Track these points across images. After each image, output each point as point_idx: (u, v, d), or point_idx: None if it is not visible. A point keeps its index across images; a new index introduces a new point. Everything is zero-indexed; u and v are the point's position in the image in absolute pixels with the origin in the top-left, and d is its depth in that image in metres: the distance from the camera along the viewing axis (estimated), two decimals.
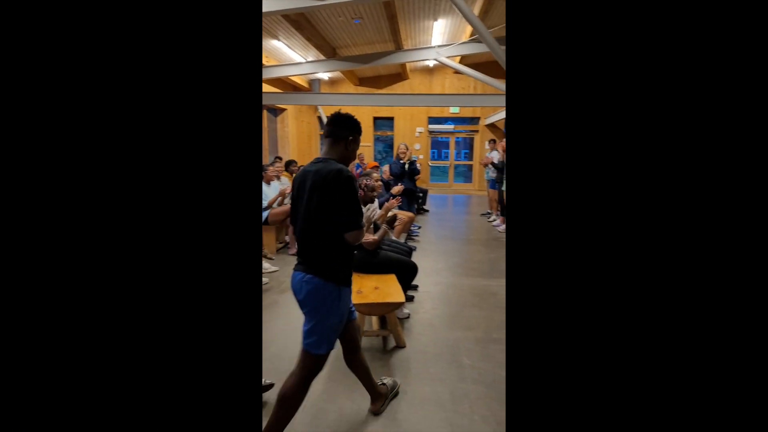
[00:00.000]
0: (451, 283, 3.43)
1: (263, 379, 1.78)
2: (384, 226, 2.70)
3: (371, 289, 2.31)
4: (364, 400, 1.80)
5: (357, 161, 7.47)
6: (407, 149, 5.85)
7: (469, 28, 6.66)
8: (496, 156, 5.80)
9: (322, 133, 9.87)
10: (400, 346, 2.28)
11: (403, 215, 4.25)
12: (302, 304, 1.46)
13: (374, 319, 2.52)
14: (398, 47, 6.92)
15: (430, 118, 10.20)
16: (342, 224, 1.38)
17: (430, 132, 10.35)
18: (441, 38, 7.04)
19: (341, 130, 1.46)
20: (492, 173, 6.01)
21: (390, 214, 2.96)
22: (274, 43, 6.28)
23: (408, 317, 2.67)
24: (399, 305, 2.19)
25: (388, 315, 2.23)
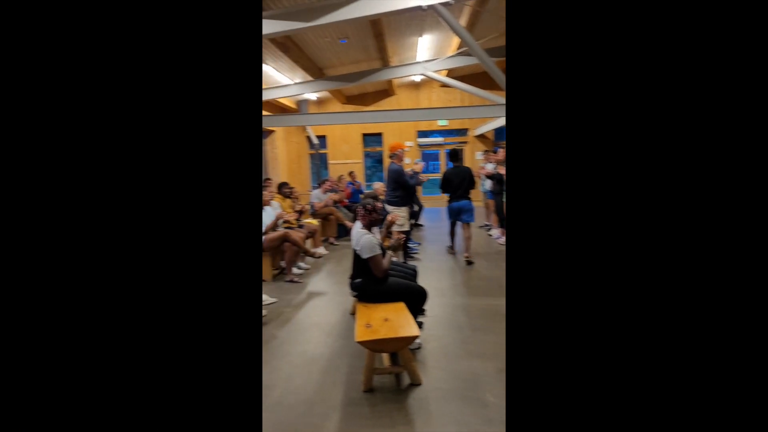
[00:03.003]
0: (458, 305, 3.27)
1: None
2: (389, 253, 2.54)
3: (380, 321, 2.14)
4: None
5: (349, 179, 7.33)
6: (419, 162, 5.59)
7: (455, 42, 6.67)
8: (491, 167, 5.72)
9: (312, 152, 9.84)
10: (415, 383, 2.10)
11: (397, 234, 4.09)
12: None
13: (385, 355, 2.33)
14: (385, 64, 6.90)
15: (418, 131, 10.18)
16: None
17: (420, 146, 10.32)
18: (427, 53, 7.05)
19: None
20: (488, 186, 5.92)
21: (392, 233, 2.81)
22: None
23: (419, 348, 2.50)
24: (414, 339, 2.02)
25: (401, 350, 2.05)
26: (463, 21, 5.74)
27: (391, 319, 2.15)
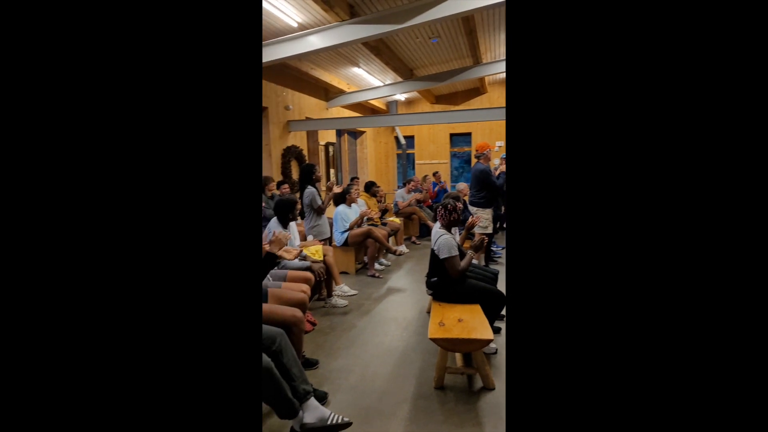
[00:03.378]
0: None
1: (341, 416, 1.70)
2: (470, 252, 2.51)
3: (454, 321, 2.13)
4: None
5: (433, 179, 7.34)
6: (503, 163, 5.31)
7: None
8: None
9: (399, 152, 10.06)
10: (488, 387, 2.05)
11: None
12: None
13: (458, 355, 2.32)
14: (477, 61, 6.74)
15: None
16: None
17: None
18: None
19: None
20: None
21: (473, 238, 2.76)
22: (355, 70, 6.54)
23: (495, 353, 2.42)
24: (487, 342, 1.97)
25: (475, 352, 2.02)
26: None
27: (465, 320, 2.13)
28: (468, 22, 4.98)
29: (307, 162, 5.75)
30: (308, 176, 3.80)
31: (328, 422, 1.66)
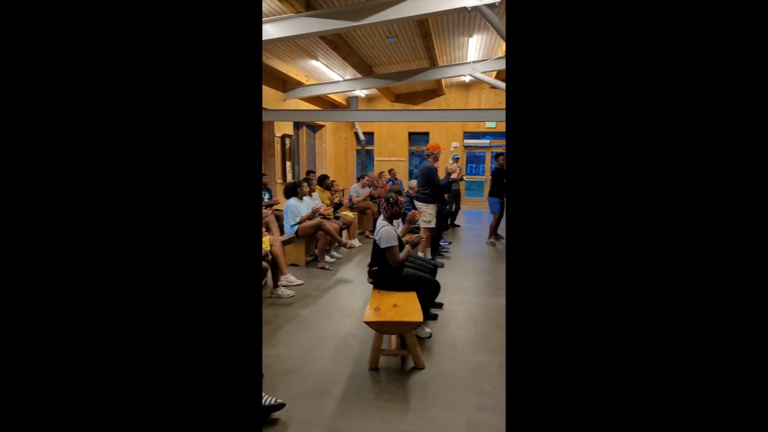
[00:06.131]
0: (478, 303, 3.30)
1: (274, 398, 1.78)
2: (408, 246, 2.67)
3: (389, 306, 2.27)
4: (379, 423, 1.75)
5: (389, 176, 7.50)
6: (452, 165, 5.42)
7: (504, 44, 6.56)
8: None
9: (358, 148, 10.14)
10: (418, 367, 2.21)
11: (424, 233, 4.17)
12: None
13: (393, 338, 2.47)
14: (433, 64, 6.96)
15: (465, 132, 10.10)
16: None
17: (466, 147, 10.23)
18: (476, 54, 7.00)
19: None
20: None
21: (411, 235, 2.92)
22: (313, 63, 6.53)
23: (430, 337, 2.60)
24: (416, 325, 2.13)
25: (407, 334, 2.17)
26: None
27: (400, 305, 2.28)
28: (423, 25, 5.16)
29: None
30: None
31: (262, 404, 1.73)
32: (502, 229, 5.73)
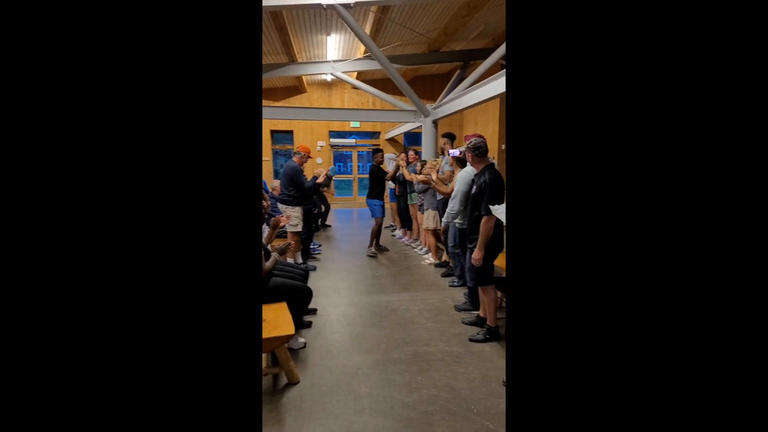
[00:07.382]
0: (352, 303, 3.32)
1: None
2: (274, 254, 2.48)
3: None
4: None
5: None
6: (322, 171, 4.66)
7: (363, 45, 6.79)
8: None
9: None
10: (292, 382, 2.07)
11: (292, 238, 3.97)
12: None
13: (263, 356, 2.26)
14: (292, 59, 6.75)
15: (330, 131, 10.15)
16: None
17: (332, 146, 10.30)
18: (336, 53, 7.06)
19: None
20: (392, 186, 6.10)
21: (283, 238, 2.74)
22: None
23: (304, 347, 2.48)
24: (288, 338, 1.99)
25: (278, 350, 2.01)
26: (367, 27, 5.87)
27: (268, 320, 2.10)
28: (278, 18, 4.92)
29: None
30: None
31: None
32: (405, 238, 5.71)
